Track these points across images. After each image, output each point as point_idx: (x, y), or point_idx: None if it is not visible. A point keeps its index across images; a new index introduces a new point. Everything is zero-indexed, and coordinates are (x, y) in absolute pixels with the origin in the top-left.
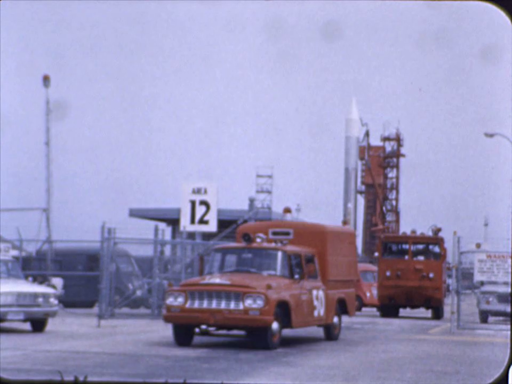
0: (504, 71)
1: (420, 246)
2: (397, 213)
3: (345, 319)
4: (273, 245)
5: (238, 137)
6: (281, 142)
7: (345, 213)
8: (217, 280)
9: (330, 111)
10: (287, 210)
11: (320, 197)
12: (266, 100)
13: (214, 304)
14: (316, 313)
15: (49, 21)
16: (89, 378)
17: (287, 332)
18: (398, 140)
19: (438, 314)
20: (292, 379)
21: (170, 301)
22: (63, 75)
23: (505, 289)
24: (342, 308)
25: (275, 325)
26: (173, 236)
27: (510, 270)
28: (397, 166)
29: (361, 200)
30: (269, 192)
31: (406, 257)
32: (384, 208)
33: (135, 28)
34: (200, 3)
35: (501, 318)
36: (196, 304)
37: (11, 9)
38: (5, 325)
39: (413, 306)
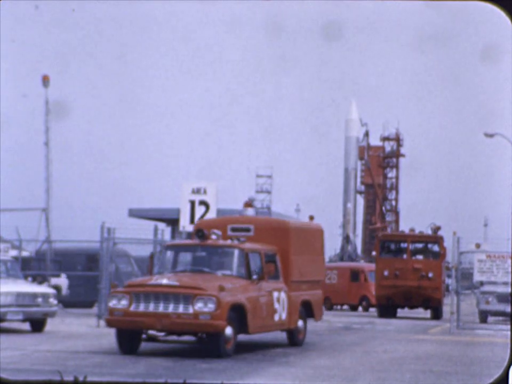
0: (504, 71)
1: (419, 245)
2: (396, 213)
3: (345, 319)
4: (229, 242)
5: (238, 137)
6: (281, 142)
7: (345, 213)
8: (164, 281)
9: (330, 111)
10: (248, 204)
11: (319, 197)
12: (266, 99)
13: (161, 308)
14: (276, 317)
15: (49, 21)
16: (89, 378)
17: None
18: (397, 139)
19: (437, 314)
20: (291, 379)
21: (113, 303)
22: (63, 75)
23: (504, 289)
24: (307, 311)
25: (229, 331)
26: (173, 236)
27: (509, 270)
28: (396, 166)
29: (360, 200)
30: (269, 192)
31: (405, 256)
32: (383, 208)
33: (135, 28)
34: (200, 3)
35: (500, 318)
36: (141, 307)
37: (11, 9)
38: (4, 325)
39: (412, 307)
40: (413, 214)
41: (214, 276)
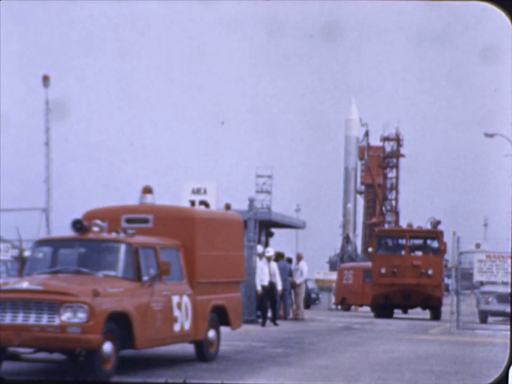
0: (504, 71)
1: (418, 241)
2: (396, 213)
3: (345, 319)
4: (114, 235)
5: (238, 137)
6: (281, 142)
7: (345, 213)
8: (25, 285)
9: (330, 111)
10: (147, 190)
11: (320, 197)
12: (266, 99)
13: (19, 319)
14: (177, 327)
15: (49, 21)
16: (89, 378)
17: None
18: (397, 140)
19: (436, 314)
20: (291, 379)
21: None
22: (63, 75)
23: (504, 290)
24: (222, 318)
25: (107, 347)
26: None
27: (509, 270)
28: (396, 166)
29: (360, 201)
30: (269, 192)
31: (403, 252)
32: (383, 209)
33: (135, 27)
34: (200, 3)
35: (500, 318)
36: None
37: (11, 9)
38: None
39: (410, 306)
40: (413, 214)
41: (93, 277)
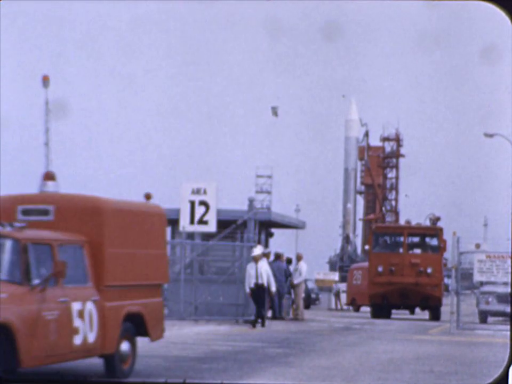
0: (504, 71)
1: (416, 238)
2: (396, 213)
3: (345, 319)
4: None
5: (238, 138)
6: (281, 142)
7: (345, 213)
8: None
9: (330, 111)
10: (49, 176)
11: (320, 197)
12: (266, 100)
13: None
14: (78, 339)
15: (49, 21)
16: (89, 378)
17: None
18: (397, 140)
19: (436, 315)
20: (291, 379)
21: None
22: (63, 75)
23: (504, 290)
24: (139, 327)
25: None
26: (172, 236)
27: (509, 270)
28: (396, 166)
29: (360, 201)
30: (269, 192)
31: (401, 250)
32: (383, 209)
33: (135, 27)
34: (200, 3)
35: (500, 318)
36: None
37: (11, 9)
38: None
39: (409, 306)
40: (413, 214)
41: None
